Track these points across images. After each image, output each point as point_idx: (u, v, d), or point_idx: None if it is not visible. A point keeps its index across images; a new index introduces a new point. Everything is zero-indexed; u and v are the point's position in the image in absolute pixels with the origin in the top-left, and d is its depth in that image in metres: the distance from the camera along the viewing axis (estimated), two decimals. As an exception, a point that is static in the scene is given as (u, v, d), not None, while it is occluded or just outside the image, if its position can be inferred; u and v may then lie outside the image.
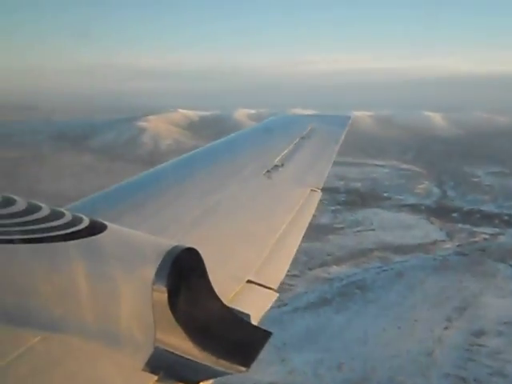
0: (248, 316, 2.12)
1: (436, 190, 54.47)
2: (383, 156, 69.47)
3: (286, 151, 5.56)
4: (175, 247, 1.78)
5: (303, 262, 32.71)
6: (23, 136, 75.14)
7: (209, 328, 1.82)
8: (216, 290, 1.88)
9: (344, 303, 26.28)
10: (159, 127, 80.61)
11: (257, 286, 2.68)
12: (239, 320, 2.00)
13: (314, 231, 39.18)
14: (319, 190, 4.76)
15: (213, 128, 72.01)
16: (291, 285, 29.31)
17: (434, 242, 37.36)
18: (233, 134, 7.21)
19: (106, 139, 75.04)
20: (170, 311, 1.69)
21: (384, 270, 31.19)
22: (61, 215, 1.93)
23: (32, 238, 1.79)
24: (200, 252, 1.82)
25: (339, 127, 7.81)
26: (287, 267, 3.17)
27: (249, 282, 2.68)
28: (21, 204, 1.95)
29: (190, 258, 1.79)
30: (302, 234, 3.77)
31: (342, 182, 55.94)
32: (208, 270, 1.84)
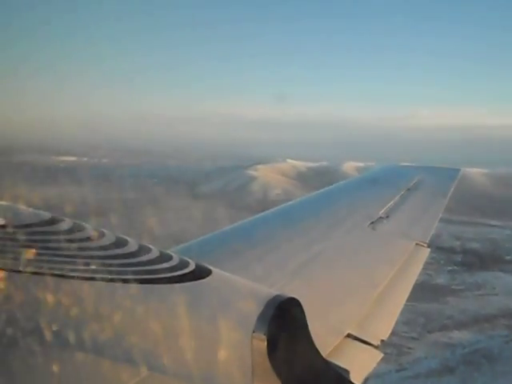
0: (347, 372, 2.12)
1: None
2: (501, 216, 65.67)
3: (391, 202, 5.45)
4: (277, 296, 1.77)
5: (421, 324, 30.81)
6: (140, 179, 78.91)
7: (306, 381, 1.79)
8: (315, 341, 1.85)
9: (470, 373, 24.02)
10: (268, 176, 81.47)
11: (358, 342, 2.61)
12: (337, 375, 1.98)
13: (432, 292, 37.26)
14: (427, 246, 4.55)
15: (321, 179, 71.72)
16: (410, 347, 27.49)
17: None
18: (339, 183, 7.18)
19: (217, 186, 76.93)
20: (268, 360, 1.65)
21: (512, 340, 28.51)
22: (169, 258, 1.97)
23: (142, 279, 1.85)
24: (301, 302, 1.79)
25: (448, 180, 7.55)
26: (392, 325, 3.00)
27: (349, 335, 2.61)
28: (133, 245, 2.00)
29: (291, 308, 1.77)
30: (409, 291, 3.58)
31: (458, 242, 53.52)
32: (308, 320, 1.81)
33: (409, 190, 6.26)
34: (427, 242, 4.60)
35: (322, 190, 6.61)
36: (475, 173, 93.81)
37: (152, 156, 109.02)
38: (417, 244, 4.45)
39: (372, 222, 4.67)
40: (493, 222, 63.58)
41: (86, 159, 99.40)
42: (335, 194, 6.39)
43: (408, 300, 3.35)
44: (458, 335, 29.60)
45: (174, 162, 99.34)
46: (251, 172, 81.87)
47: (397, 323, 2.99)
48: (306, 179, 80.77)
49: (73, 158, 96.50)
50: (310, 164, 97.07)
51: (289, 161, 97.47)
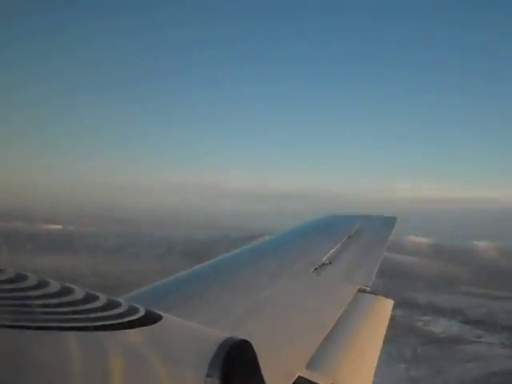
0: None
1: None
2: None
3: (333, 250, 5.57)
4: (229, 338, 1.73)
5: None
6: (142, 249, 72.04)
7: None
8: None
9: None
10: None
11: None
12: None
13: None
14: (369, 290, 4.62)
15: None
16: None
17: None
18: (282, 233, 7.29)
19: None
20: None
21: None
22: (117, 305, 1.89)
23: (90, 326, 1.72)
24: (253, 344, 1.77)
25: (386, 227, 7.54)
26: (371, 373, 3.12)
27: (300, 378, 2.62)
28: (79, 293, 1.89)
29: (244, 350, 1.73)
30: (381, 339, 3.68)
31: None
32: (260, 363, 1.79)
33: (350, 237, 6.36)
34: (369, 285, 4.67)
35: (264, 240, 7.09)
36: (486, 247, 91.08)
37: (137, 225, 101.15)
38: (360, 288, 4.54)
39: (316, 269, 4.75)
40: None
41: (72, 227, 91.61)
42: (279, 243, 6.41)
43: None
44: None
45: (168, 231, 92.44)
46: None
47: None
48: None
49: (58, 226, 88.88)
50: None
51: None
